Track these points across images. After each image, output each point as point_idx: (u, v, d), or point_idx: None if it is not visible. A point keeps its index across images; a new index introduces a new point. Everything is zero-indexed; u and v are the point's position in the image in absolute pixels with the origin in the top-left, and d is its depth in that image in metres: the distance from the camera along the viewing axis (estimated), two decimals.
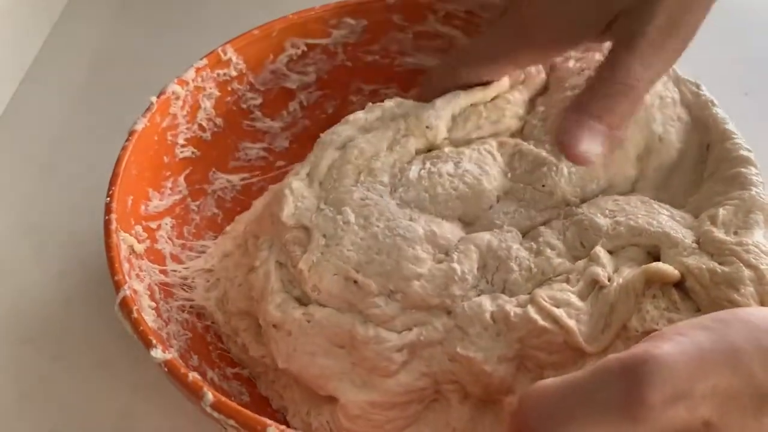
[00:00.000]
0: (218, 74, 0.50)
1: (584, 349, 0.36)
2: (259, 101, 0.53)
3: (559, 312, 0.37)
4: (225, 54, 0.50)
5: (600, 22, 0.42)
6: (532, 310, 0.37)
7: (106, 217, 0.41)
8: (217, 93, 0.50)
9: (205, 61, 0.50)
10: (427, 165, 0.44)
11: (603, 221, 0.40)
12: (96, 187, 0.45)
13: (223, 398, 0.34)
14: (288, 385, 0.42)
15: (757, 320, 0.29)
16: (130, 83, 0.61)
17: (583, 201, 0.42)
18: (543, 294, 0.37)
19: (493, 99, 0.47)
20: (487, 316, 0.37)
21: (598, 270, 0.38)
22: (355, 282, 0.39)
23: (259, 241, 0.45)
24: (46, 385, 0.45)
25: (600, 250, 0.39)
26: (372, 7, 0.53)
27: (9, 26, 0.63)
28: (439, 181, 0.42)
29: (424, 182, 0.43)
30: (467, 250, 0.40)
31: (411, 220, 0.41)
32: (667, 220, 0.39)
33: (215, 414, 0.33)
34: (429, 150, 0.45)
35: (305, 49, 0.53)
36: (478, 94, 0.46)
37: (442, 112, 0.45)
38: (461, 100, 0.46)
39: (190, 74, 0.49)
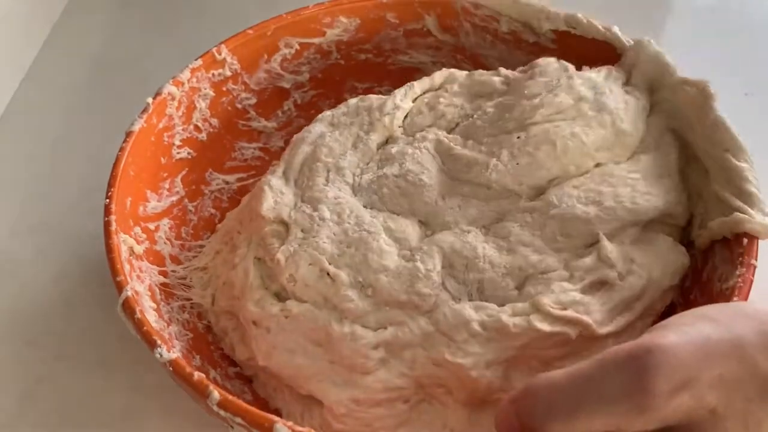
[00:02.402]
0: (213, 74, 0.51)
1: (599, 335, 0.37)
2: (253, 101, 0.53)
3: (571, 313, 0.38)
4: (219, 54, 0.51)
5: None
6: (536, 319, 0.38)
7: (106, 219, 0.41)
8: (212, 93, 0.51)
9: (199, 62, 0.50)
10: (378, 171, 0.45)
11: (587, 209, 0.41)
12: (96, 188, 0.45)
13: (230, 396, 0.34)
14: (278, 387, 0.42)
15: (761, 314, 0.29)
16: (129, 83, 0.61)
17: (537, 190, 0.43)
18: (547, 301, 0.38)
19: (439, 87, 0.49)
20: (475, 325, 0.38)
21: (607, 272, 0.39)
22: (329, 274, 0.40)
23: (239, 238, 0.45)
24: (46, 386, 0.45)
25: (606, 246, 0.40)
26: (365, 5, 0.54)
27: (9, 26, 0.63)
28: (386, 183, 0.45)
29: (374, 186, 0.45)
30: (430, 250, 0.41)
31: (372, 217, 0.43)
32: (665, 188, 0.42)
33: (222, 412, 0.33)
34: (387, 140, 0.47)
35: (299, 48, 0.53)
36: (427, 82, 0.49)
37: (400, 102, 0.48)
38: (416, 88, 0.48)
39: (186, 75, 0.49)
